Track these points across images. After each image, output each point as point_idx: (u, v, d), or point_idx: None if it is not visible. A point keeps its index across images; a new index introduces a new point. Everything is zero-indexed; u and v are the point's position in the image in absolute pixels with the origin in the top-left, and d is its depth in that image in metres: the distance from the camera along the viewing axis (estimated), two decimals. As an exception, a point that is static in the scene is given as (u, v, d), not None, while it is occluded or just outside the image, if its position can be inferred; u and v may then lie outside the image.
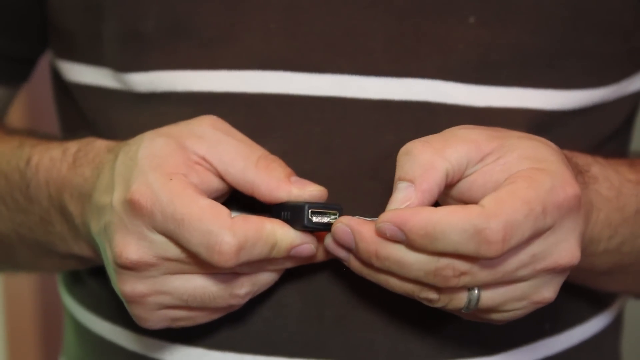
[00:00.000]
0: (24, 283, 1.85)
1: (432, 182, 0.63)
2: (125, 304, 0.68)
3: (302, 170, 0.71)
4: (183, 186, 0.64)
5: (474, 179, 0.65)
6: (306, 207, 0.65)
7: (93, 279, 0.82)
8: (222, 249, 0.62)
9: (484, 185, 0.64)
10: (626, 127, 0.85)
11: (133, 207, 0.64)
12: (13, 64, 0.87)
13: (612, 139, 0.81)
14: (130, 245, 0.65)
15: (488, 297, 0.64)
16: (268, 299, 0.72)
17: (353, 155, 0.72)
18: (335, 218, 0.65)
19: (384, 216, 0.62)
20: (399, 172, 0.64)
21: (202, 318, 0.69)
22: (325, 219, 0.65)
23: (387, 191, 0.70)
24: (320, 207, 0.65)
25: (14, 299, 1.88)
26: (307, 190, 0.66)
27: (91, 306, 0.83)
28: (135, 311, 0.67)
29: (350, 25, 0.72)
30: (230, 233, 0.62)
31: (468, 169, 0.65)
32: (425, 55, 0.72)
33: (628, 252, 0.76)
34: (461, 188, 0.65)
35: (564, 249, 0.64)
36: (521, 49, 0.73)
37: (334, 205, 0.66)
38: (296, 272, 0.71)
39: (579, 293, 0.80)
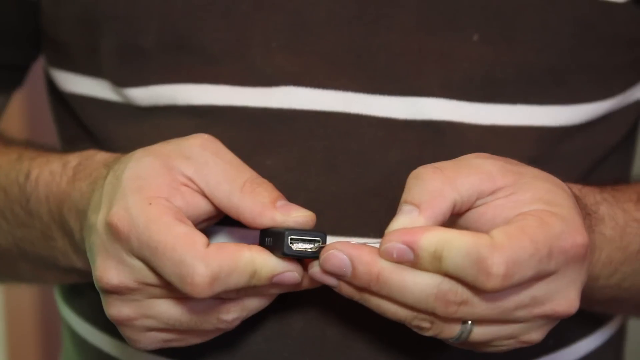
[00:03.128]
0: (25, 291, 1.85)
1: (438, 211, 0.62)
2: (116, 326, 0.67)
3: (305, 186, 0.71)
4: (161, 212, 0.63)
5: (484, 211, 0.64)
6: (286, 234, 0.63)
7: (91, 290, 0.81)
8: (194, 280, 0.61)
9: (492, 220, 0.63)
10: (631, 137, 0.84)
11: (112, 231, 0.63)
12: (6, 71, 0.86)
13: (618, 148, 0.81)
14: (110, 269, 0.64)
15: (479, 332, 0.63)
16: (269, 317, 0.72)
17: (357, 172, 0.71)
18: (319, 245, 0.63)
19: (391, 236, 0.61)
20: (405, 195, 0.63)
21: (193, 340, 0.68)
22: (308, 246, 0.63)
23: (391, 209, 0.69)
24: (301, 235, 0.63)
25: (15, 307, 1.87)
26: (292, 217, 0.65)
27: (89, 317, 0.82)
28: (125, 333, 0.67)
29: (353, 42, 0.72)
30: (203, 264, 0.61)
31: (478, 200, 0.64)
32: (428, 73, 0.72)
33: (628, 288, 0.75)
34: (469, 218, 0.64)
35: (563, 297, 0.63)
36: (526, 66, 0.72)
37: (316, 232, 0.64)
38: (297, 290, 0.70)
39: (582, 309, 0.80)
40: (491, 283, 0.59)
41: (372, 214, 0.71)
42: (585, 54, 0.74)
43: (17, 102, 0.89)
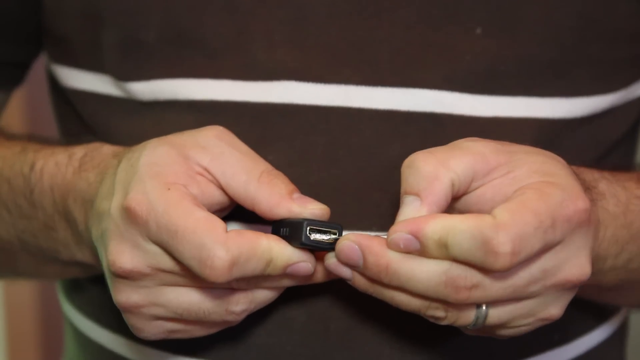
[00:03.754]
0: (25, 288, 1.85)
1: (439, 194, 0.62)
2: (122, 313, 0.67)
3: (307, 181, 0.71)
4: (180, 197, 0.63)
5: (483, 192, 0.64)
6: (304, 224, 0.63)
7: (94, 286, 0.82)
8: (214, 263, 0.61)
9: (492, 199, 0.63)
10: (634, 132, 0.84)
11: (129, 215, 0.63)
12: (7, 68, 0.86)
13: (620, 144, 0.81)
14: (124, 253, 0.64)
15: (495, 315, 0.63)
16: (272, 312, 0.72)
17: (359, 165, 0.72)
18: (335, 237, 0.64)
19: (396, 227, 0.62)
20: (404, 186, 0.63)
21: (199, 332, 0.68)
22: (325, 237, 0.64)
23: (393, 202, 0.70)
24: (319, 225, 0.64)
25: (15, 305, 1.87)
26: (308, 208, 0.65)
27: (91, 314, 0.82)
28: (131, 321, 0.67)
29: (355, 36, 0.72)
30: (223, 248, 0.61)
31: (475, 182, 0.64)
32: (431, 65, 0.72)
33: (635, 269, 0.75)
34: (468, 201, 0.65)
35: (574, 265, 0.63)
36: (528, 60, 0.73)
37: (334, 224, 0.64)
38: (306, 284, 0.69)
39: (587, 303, 0.80)
40: (500, 262, 0.59)
41: (374, 208, 0.71)
42: (587, 48, 0.74)
43: (18, 99, 0.89)
